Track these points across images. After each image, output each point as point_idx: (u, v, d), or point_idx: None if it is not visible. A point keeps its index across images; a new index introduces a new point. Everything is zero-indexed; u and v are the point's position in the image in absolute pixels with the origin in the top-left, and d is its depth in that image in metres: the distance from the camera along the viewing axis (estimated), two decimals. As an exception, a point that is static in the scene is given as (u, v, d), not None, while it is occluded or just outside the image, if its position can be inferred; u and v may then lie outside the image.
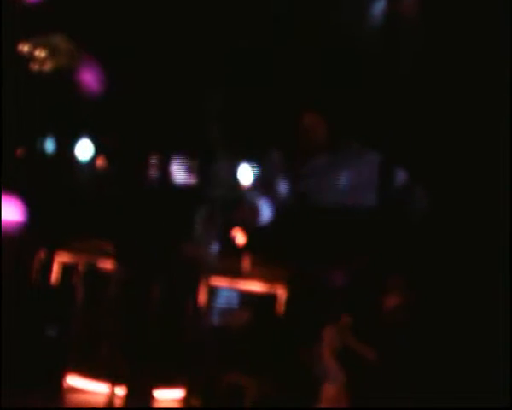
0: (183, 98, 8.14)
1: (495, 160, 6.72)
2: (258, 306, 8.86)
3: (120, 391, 6.61)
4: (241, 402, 7.05)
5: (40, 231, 8.32)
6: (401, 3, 7.24)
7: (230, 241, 8.19)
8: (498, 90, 6.70)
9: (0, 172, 7.78)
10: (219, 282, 9.23)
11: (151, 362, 7.03)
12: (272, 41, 7.48)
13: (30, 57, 7.77)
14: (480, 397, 5.51)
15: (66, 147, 8.44)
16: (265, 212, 6.58)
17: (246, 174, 8.09)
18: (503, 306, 6.22)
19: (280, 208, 7.69)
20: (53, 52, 7.91)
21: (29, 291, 8.09)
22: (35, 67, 7.86)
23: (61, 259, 8.50)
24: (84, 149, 8.40)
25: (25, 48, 7.70)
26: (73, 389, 7.10)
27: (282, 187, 7.61)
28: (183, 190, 8.38)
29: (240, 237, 8.23)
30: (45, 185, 8.23)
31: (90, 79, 8.00)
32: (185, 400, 7.23)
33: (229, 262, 8.45)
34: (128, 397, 6.55)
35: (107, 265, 7.79)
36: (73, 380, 7.15)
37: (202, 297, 7.49)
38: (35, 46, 7.81)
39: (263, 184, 7.88)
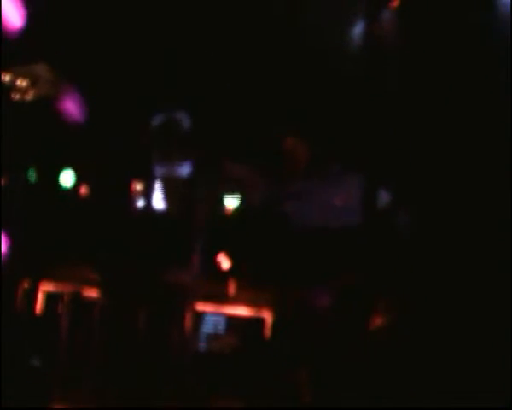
0: (164, 125, 8.17)
1: (479, 179, 6.77)
2: (244, 330, 8.83)
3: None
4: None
5: (24, 260, 8.26)
6: (379, 25, 7.33)
7: (216, 266, 8.19)
8: (481, 110, 6.77)
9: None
10: (205, 307, 9.20)
11: (137, 388, 6.97)
12: (253, 66, 7.53)
13: (11, 87, 7.76)
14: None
15: (49, 176, 8.42)
16: None
17: (229, 199, 8.11)
18: (490, 323, 6.24)
19: (263, 230, 7.71)
20: (34, 82, 7.91)
21: (13, 321, 8.01)
22: (16, 96, 7.85)
23: (46, 288, 8.44)
24: (67, 178, 8.38)
25: (6, 77, 7.70)
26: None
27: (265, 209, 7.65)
28: (167, 216, 8.37)
29: (225, 262, 8.22)
30: (29, 214, 8.19)
31: (71, 107, 8.01)
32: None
33: (215, 287, 8.42)
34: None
35: (91, 293, 7.74)
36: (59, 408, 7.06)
37: (188, 323, 7.44)
38: (16, 76, 7.81)
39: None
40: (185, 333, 7.87)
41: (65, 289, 8.04)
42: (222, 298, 8.85)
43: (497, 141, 6.58)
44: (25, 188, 8.34)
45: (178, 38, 7.72)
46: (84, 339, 7.38)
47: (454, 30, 6.88)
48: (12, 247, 7.73)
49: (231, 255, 8.24)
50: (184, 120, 7.35)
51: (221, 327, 9.12)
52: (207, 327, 9.03)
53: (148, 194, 8.45)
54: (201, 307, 8.40)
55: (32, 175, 8.36)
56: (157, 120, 7.11)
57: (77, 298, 7.81)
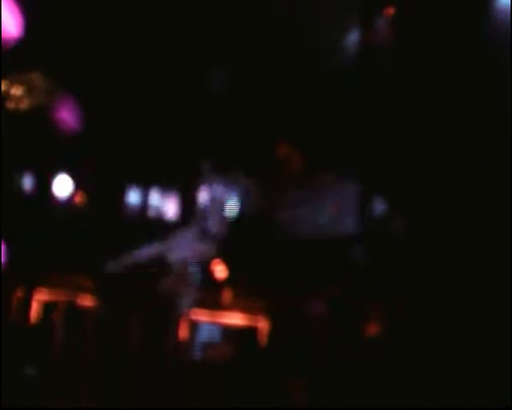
0: (160, 132, 8.17)
1: (476, 186, 6.78)
2: (239, 339, 8.79)
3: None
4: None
5: (18, 268, 8.25)
6: (374, 34, 7.35)
7: (210, 274, 8.16)
8: (478, 118, 6.79)
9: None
10: (200, 316, 9.17)
11: (131, 397, 6.94)
12: (245, 75, 7.55)
13: (6, 95, 7.76)
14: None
15: (44, 184, 8.41)
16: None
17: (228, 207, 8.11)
18: (487, 334, 6.24)
19: (258, 239, 7.70)
20: (29, 90, 7.91)
21: (7, 330, 7.97)
22: (11, 105, 7.85)
23: (40, 296, 8.40)
24: (62, 186, 8.37)
25: (1, 86, 7.69)
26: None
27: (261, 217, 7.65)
28: (163, 222, 8.36)
29: (220, 271, 8.21)
30: (23, 223, 8.17)
31: (67, 116, 8.01)
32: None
33: (210, 296, 8.41)
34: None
35: (86, 301, 7.71)
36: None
37: (183, 332, 7.41)
38: (11, 84, 7.81)
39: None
40: (180, 342, 7.84)
41: (59, 297, 8.01)
42: (217, 306, 8.83)
43: (495, 146, 6.61)
44: (19, 196, 8.35)
45: (174, 41, 7.75)
46: (79, 348, 7.36)
47: (450, 38, 6.91)
48: (6, 255, 7.72)
49: (226, 263, 8.22)
50: None
51: (216, 336, 9.09)
52: (202, 336, 8.99)
53: (144, 200, 8.46)
54: (196, 315, 8.37)
55: (27, 183, 8.36)
56: None
57: (71, 307, 7.78)
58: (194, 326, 8.71)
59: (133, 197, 8.43)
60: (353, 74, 7.31)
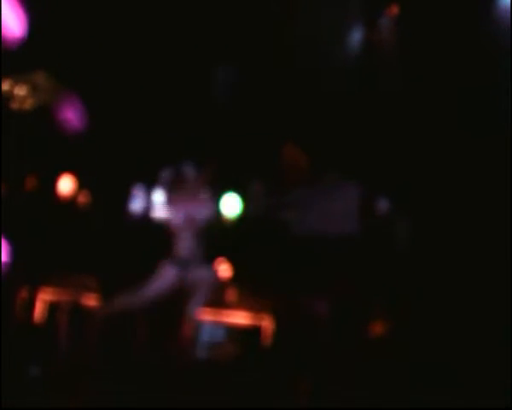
0: (165, 131, 8.17)
1: (478, 187, 6.79)
2: (243, 338, 8.80)
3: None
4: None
5: (23, 268, 8.26)
6: (378, 33, 7.35)
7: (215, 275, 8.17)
8: (480, 119, 6.79)
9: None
10: (204, 315, 9.17)
11: (136, 397, 6.95)
12: (253, 74, 7.55)
13: (9, 95, 7.77)
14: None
15: (48, 183, 8.42)
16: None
17: (230, 205, 8.10)
18: (488, 332, 6.25)
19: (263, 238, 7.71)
20: (33, 90, 7.91)
21: (12, 330, 7.98)
22: (15, 105, 7.85)
23: (45, 296, 8.42)
24: (66, 186, 8.38)
25: (4, 86, 7.69)
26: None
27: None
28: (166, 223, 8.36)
29: (224, 270, 8.22)
30: (28, 222, 8.19)
31: (70, 115, 8.02)
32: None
33: (214, 294, 8.40)
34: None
35: (90, 301, 7.73)
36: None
37: (188, 331, 7.41)
38: (15, 84, 7.81)
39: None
40: (184, 341, 7.84)
41: (64, 297, 8.03)
42: (221, 305, 8.85)
43: (495, 148, 6.60)
44: (24, 196, 8.35)
45: (178, 41, 7.75)
46: (83, 348, 7.37)
47: (453, 37, 6.89)
48: (11, 255, 7.73)
49: (231, 263, 8.24)
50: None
51: (220, 335, 9.11)
52: (206, 335, 9.01)
53: (148, 200, 8.45)
54: (200, 314, 8.38)
55: (31, 183, 8.36)
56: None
57: (76, 307, 7.80)
58: (198, 326, 8.72)
59: (138, 197, 8.43)
60: (357, 75, 7.30)
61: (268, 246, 7.62)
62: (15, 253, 7.77)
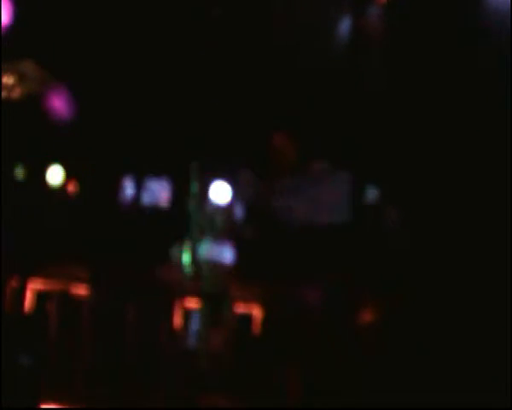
0: (154, 120, 8.15)
1: (466, 175, 6.82)
2: (233, 326, 8.81)
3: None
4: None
5: (12, 258, 8.23)
6: (366, 21, 7.35)
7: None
8: (468, 106, 6.81)
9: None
10: (194, 304, 9.18)
11: (127, 386, 6.99)
12: (242, 64, 7.53)
13: (-2, 85, 7.72)
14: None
15: (36, 173, 8.38)
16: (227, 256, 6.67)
17: (220, 194, 8.09)
18: (480, 317, 6.30)
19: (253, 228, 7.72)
20: (21, 79, 7.87)
21: (2, 319, 7.96)
22: (3, 93, 7.81)
23: (34, 286, 8.38)
24: (55, 175, 8.34)
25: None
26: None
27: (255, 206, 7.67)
28: (157, 212, 8.36)
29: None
30: (17, 212, 8.16)
31: (59, 104, 7.98)
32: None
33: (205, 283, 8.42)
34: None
35: (80, 290, 7.72)
36: (48, 406, 7.04)
37: (177, 320, 7.44)
38: (3, 73, 7.76)
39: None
40: (174, 330, 7.87)
41: (54, 287, 8.02)
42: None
43: (485, 134, 6.63)
44: (13, 185, 8.32)
45: (168, 28, 7.72)
46: (74, 337, 7.38)
47: (442, 26, 6.91)
48: (0, 245, 7.71)
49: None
50: None
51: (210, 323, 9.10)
52: (196, 324, 9.00)
53: (138, 189, 8.44)
54: (190, 303, 8.38)
55: (20, 172, 8.33)
56: None
57: (66, 296, 7.79)
58: (188, 314, 8.73)
59: (127, 186, 8.41)
60: (346, 62, 7.31)
61: (258, 235, 7.63)
62: (5, 242, 7.75)
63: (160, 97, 8.00)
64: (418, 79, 7.09)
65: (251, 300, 8.62)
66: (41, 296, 8.04)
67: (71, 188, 8.55)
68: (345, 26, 7.45)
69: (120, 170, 8.42)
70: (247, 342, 8.12)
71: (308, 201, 7.33)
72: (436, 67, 6.99)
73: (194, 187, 7.83)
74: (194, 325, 8.83)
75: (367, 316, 7.03)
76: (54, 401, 7.10)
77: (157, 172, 8.45)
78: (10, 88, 7.85)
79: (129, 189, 8.40)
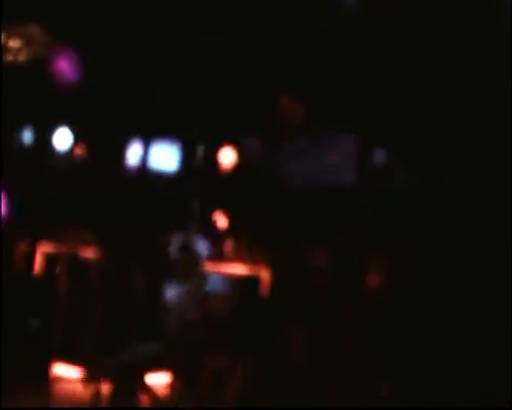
0: (162, 82, 8.12)
1: (476, 134, 6.75)
2: (241, 289, 8.85)
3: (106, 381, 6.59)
4: (225, 386, 7.09)
5: (22, 221, 8.30)
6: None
7: (212, 225, 8.20)
8: (473, 70, 6.73)
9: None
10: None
11: (135, 349, 7.04)
12: (249, 27, 7.45)
13: (4, 48, 7.70)
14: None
15: (44, 137, 8.40)
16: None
17: (226, 158, 8.09)
18: (485, 287, 6.28)
19: (261, 191, 7.71)
20: (27, 42, 7.84)
21: (12, 282, 8.03)
22: (9, 57, 7.79)
23: (44, 249, 8.44)
24: (63, 139, 8.36)
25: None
26: (60, 379, 7.08)
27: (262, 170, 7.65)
28: (164, 176, 8.37)
29: (221, 221, 8.24)
30: (25, 176, 8.20)
31: (65, 67, 7.96)
32: (171, 385, 7.26)
33: (212, 246, 8.43)
34: (115, 387, 6.54)
35: (88, 254, 7.76)
36: (59, 369, 7.13)
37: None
38: (9, 36, 7.74)
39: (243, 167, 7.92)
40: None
41: (63, 249, 8.06)
42: (219, 257, 8.86)
43: (489, 99, 6.54)
44: (20, 149, 8.35)
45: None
46: (83, 299, 7.45)
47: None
48: (9, 208, 7.76)
49: (228, 214, 8.25)
50: None
51: (218, 286, 9.14)
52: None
53: (146, 153, 8.44)
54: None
55: (28, 136, 8.35)
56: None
57: (75, 259, 7.83)
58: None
59: (134, 150, 8.42)
60: (353, 24, 7.21)
61: (265, 197, 7.62)
62: (14, 206, 7.80)
63: (167, 58, 7.96)
64: (426, 40, 7.00)
65: (259, 262, 8.64)
66: (50, 259, 8.10)
67: (78, 151, 8.57)
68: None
69: (128, 133, 8.43)
70: (255, 305, 8.16)
71: (314, 163, 7.30)
72: (444, 29, 6.89)
73: (201, 151, 7.81)
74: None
75: (374, 279, 7.03)
76: (64, 362, 7.18)
77: (164, 136, 8.45)
78: (16, 52, 7.83)
79: (137, 152, 8.41)
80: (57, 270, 7.76)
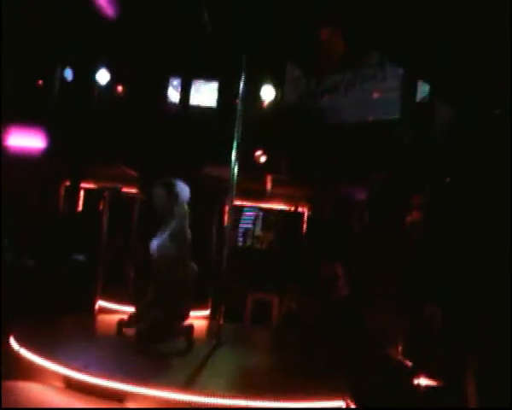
0: (201, 19, 8.01)
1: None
2: (281, 225, 8.86)
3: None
4: (266, 319, 7.16)
5: (65, 159, 8.37)
6: None
7: (253, 162, 8.17)
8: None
9: (24, 104, 7.87)
10: (244, 202, 9.23)
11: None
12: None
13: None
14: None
15: (85, 75, 8.41)
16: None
17: (268, 92, 7.99)
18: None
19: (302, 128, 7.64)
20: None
21: (57, 219, 8.17)
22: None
23: (87, 186, 8.54)
24: (103, 76, 8.35)
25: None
26: (103, 311, 7.19)
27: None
28: (204, 112, 8.34)
29: (262, 158, 8.20)
30: (68, 114, 8.25)
31: (105, 3, 7.90)
32: (212, 317, 7.35)
33: (253, 183, 8.42)
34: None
35: (131, 190, 7.82)
36: (103, 302, 7.24)
37: (227, 219, 7.49)
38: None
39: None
40: (224, 228, 7.93)
41: (105, 186, 8.12)
42: (260, 194, 8.86)
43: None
44: (62, 87, 8.38)
45: None
46: (125, 235, 7.52)
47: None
48: (52, 146, 7.84)
49: (269, 151, 8.20)
50: None
51: (258, 222, 9.18)
52: (246, 222, 9.11)
53: (185, 89, 8.40)
54: (240, 202, 8.43)
55: (69, 74, 8.37)
56: None
57: (117, 195, 7.89)
58: (238, 213, 8.81)
59: (175, 87, 8.39)
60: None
61: (306, 134, 7.54)
62: (57, 144, 7.88)
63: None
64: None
65: (299, 199, 8.62)
66: (93, 196, 8.18)
67: (119, 89, 8.57)
68: None
69: (168, 71, 8.39)
70: (295, 240, 8.19)
71: (357, 97, 7.19)
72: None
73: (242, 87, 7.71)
74: (244, 223, 8.95)
75: (415, 214, 6.94)
76: (108, 295, 7.30)
77: (204, 73, 8.39)
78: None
79: (177, 91, 8.37)
80: (100, 206, 7.84)
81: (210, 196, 8.01)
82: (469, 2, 6.61)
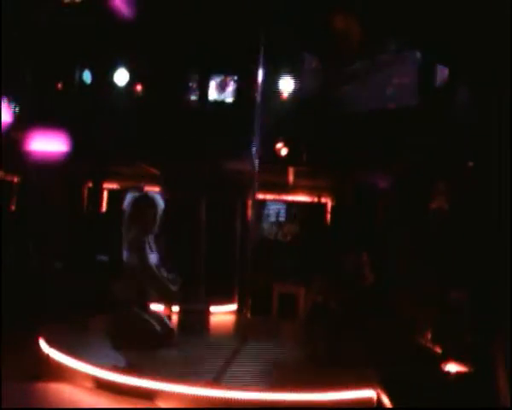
0: (218, 16, 7.99)
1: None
2: (305, 217, 8.83)
3: (175, 307, 6.71)
4: (292, 311, 7.16)
5: (87, 160, 8.41)
6: None
7: (275, 154, 8.12)
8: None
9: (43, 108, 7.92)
10: (266, 196, 9.22)
11: (203, 278, 7.15)
12: None
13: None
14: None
15: (103, 75, 8.42)
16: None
17: (286, 84, 7.95)
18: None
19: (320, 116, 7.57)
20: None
21: (80, 219, 8.23)
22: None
23: (109, 186, 8.54)
24: (122, 76, 8.35)
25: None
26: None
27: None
28: (223, 108, 8.31)
29: (283, 150, 8.16)
30: (88, 115, 8.27)
31: (122, 5, 7.91)
32: (238, 311, 7.37)
33: (275, 175, 8.41)
34: (184, 313, 6.67)
35: (153, 188, 7.83)
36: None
37: (250, 212, 7.50)
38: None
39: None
40: (247, 221, 7.94)
41: (127, 185, 8.14)
42: (282, 186, 8.85)
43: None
44: (81, 89, 8.41)
45: None
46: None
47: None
48: (74, 147, 7.86)
49: (290, 143, 8.16)
50: None
51: (282, 214, 9.17)
52: (268, 215, 9.09)
53: (204, 87, 8.38)
54: (262, 195, 8.42)
55: (88, 76, 8.39)
56: None
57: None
58: (260, 205, 8.79)
59: (193, 84, 8.36)
60: None
61: (326, 124, 7.49)
62: (78, 145, 7.90)
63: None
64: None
65: (322, 190, 8.58)
66: (115, 196, 8.20)
67: (138, 88, 8.57)
68: None
69: (186, 67, 8.37)
70: (319, 231, 8.17)
71: (376, 84, 7.12)
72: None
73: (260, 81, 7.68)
74: (267, 215, 8.94)
75: (438, 201, 6.89)
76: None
77: (222, 68, 8.36)
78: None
79: (195, 89, 8.35)
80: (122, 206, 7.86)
81: (233, 190, 8.02)
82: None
